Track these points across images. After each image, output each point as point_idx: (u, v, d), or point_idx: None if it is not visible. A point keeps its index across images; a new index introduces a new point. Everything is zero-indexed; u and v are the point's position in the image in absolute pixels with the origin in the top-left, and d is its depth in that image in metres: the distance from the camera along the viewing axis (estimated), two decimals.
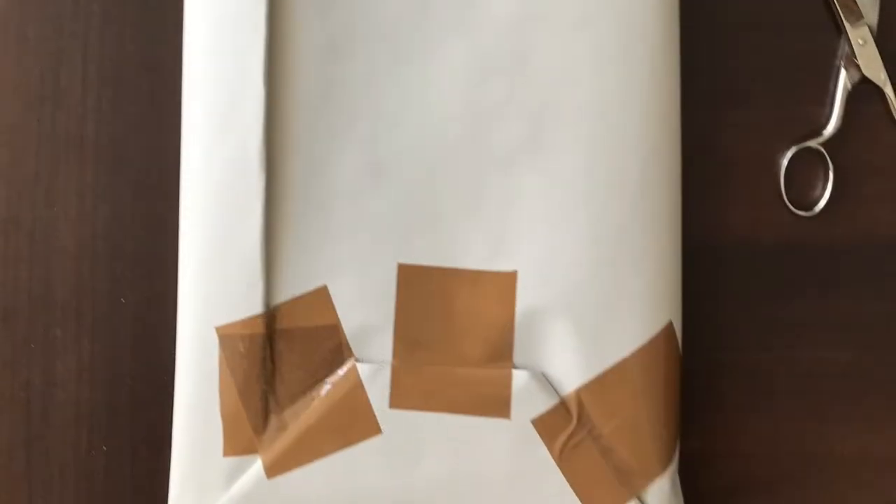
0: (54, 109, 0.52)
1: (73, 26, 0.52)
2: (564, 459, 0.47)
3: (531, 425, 0.47)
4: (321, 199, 0.48)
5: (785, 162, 0.52)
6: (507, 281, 0.48)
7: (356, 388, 0.47)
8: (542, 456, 0.47)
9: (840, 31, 0.52)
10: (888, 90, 0.52)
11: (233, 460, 0.47)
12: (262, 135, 0.47)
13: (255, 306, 0.47)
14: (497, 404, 0.47)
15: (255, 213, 0.47)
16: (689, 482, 0.49)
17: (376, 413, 0.47)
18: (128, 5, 0.52)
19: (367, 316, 0.48)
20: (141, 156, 0.52)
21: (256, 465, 0.47)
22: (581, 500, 0.47)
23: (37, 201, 0.52)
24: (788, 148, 0.52)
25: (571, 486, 0.47)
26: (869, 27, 0.52)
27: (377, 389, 0.47)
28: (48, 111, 0.52)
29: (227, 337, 0.47)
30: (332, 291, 0.48)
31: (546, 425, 0.47)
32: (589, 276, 0.47)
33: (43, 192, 0.52)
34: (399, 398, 0.48)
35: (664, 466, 0.47)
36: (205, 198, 0.47)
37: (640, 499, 0.47)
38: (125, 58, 0.52)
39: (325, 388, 0.48)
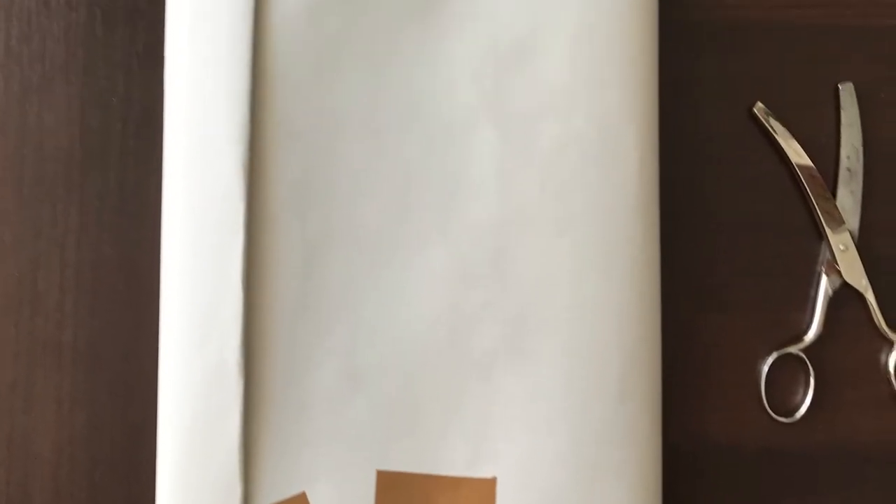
0: (32, 314, 0.52)
1: (50, 231, 0.52)
2: None
3: None
4: (300, 405, 0.48)
5: (766, 367, 0.52)
6: (486, 487, 0.48)
7: None
8: None
9: (821, 236, 0.52)
10: (869, 296, 0.52)
11: None
12: (241, 340, 0.47)
13: None
14: None
15: (234, 418, 0.47)
16: None
17: None
18: (106, 210, 0.52)
19: None
20: (119, 361, 0.52)
21: None
22: None
23: (14, 407, 0.51)
24: (769, 353, 0.52)
25: None
26: (850, 233, 0.52)
27: None
28: (26, 316, 0.52)
29: None
30: (310, 497, 0.48)
31: None
32: (569, 483, 0.47)
33: (21, 398, 0.51)
34: None
35: None
36: (183, 402, 0.47)
37: None
38: (103, 262, 0.52)
39: None
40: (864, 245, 0.52)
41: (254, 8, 0.47)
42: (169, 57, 0.48)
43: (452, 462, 0.48)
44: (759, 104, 0.52)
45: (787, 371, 0.52)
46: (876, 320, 0.52)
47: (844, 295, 0.52)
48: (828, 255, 0.52)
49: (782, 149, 0.52)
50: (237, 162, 0.47)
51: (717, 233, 0.52)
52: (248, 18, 0.47)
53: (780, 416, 0.52)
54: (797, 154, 0.52)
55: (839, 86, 0.53)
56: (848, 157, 0.52)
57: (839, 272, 0.52)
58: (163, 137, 0.48)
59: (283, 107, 0.48)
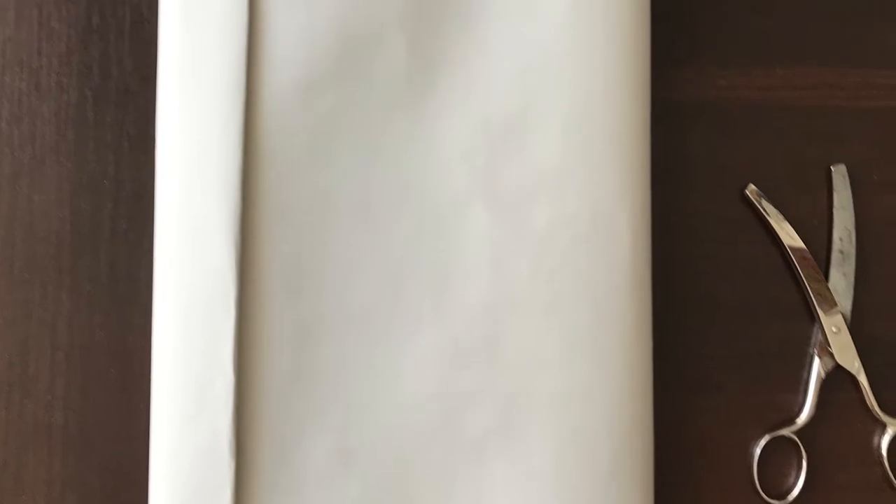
0: (22, 397, 0.51)
1: (41, 313, 0.52)
2: None
3: None
4: (291, 485, 0.48)
5: (758, 450, 0.52)
6: None
7: None
8: None
9: (814, 318, 0.52)
10: (862, 378, 0.52)
11: None
12: (232, 420, 0.47)
13: None
14: None
15: (225, 497, 0.47)
16: None
17: None
18: (97, 293, 0.51)
19: None
20: (110, 443, 0.51)
21: None
22: None
23: (5, 489, 0.51)
24: (761, 436, 0.52)
25: None
26: (843, 315, 0.52)
27: None
28: (16, 398, 0.51)
29: None
30: None
31: None
32: None
33: (11, 480, 0.51)
34: None
35: None
36: (174, 481, 0.47)
37: None
38: (94, 345, 0.52)
39: None
40: (857, 327, 0.52)
41: (245, 87, 0.47)
42: (160, 137, 0.48)
43: None
44: (752, 186, 0.52)
45: (780, 453, 0.52)
46: (868, 403, 0.52)
47: (837, 377, 0.52)
48: (820, 337, 0.52)
49: (774, 231, 0.52)
50: (229, 241, 0.47)
51: (710, 315, 0.52)
52: (239, 97, 0.47)
53: (773, 498, 0.52)
54: (789, 236, 0.52)
55: (832, 167, 0.53)
56: (840, 239, 0.52)
57: (832, 354, 0.52)
58: (154, 218, 0.48)
59: (275, 186, 0.48)
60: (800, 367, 0.52)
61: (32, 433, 0.51)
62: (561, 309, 0.48)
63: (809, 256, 0.52)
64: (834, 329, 0.52)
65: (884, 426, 0.52)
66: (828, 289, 0.52)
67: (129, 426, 0.51)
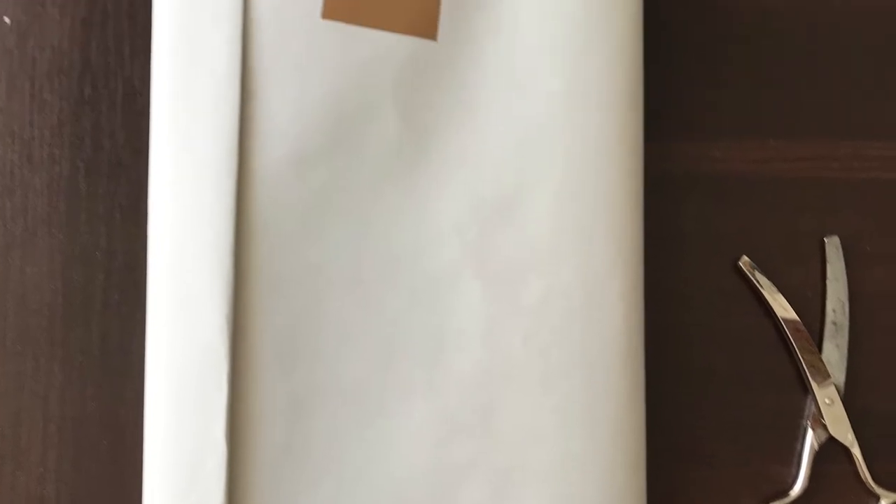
0: (14, 469, 0.51)
1: (33, 385, 0.51)
2: None
3: None
4: None
5: None
6: None
7: None
8: None
9: (807, 390, 0.52)
10: (855, 451, 0.52)
11: None
12: (224, 495, 0.47)
13: None
14: None
15: None
16: None
17: None
18: (89, 365, 0.51)
19: None
20: None
21: None
22: None
23: None
24: None
25: None
26: (836, 387, 0.52)
27: None
28: (8, 471, 0.51)
29: None
30: None
31: None
32: None
33: None
34: None
35: None
36: None
37: None
38: (86, 417, 0.51)
39: None
40: (850, 399, 0.52)
41: (237, 161, 0.47)
42: (152, 210, 0.47)
43: None
44: (745, 258, 0.52)
45: None
46: (862, 475, 0.52)
47: (830, 449, 0.52)
48: (813, 408, 0.52)
49: (768, 302, 0.52)
50: (221, 315, 0.47)
51: (703, 385, 0.52)
52: (231, 171, 0.47)
53: None
54: (783, 308, 0.52)
55: (825, 239, 0.52)
56: (834, 311, 0.52)
57: (825, 426, 0.52)
58: (146, 291, 0.47)
59: (267, 260, 0.48)
60: (793, 438, 0.52)
61: None
62: (555, 381, 0.48)
63: (803, 328, 0.52)
64: (827, 401, 0.52)
65: (877, 499, 0.52)
66: (821, 360, 0.52)
67: (121, 499, 0.51)
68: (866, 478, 0.52)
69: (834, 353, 0.52)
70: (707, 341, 0.52)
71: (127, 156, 0.52)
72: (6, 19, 0.52)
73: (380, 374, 0.48)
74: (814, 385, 0.52)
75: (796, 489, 0.52)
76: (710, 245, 0.52)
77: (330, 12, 0.48)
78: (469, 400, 0.48)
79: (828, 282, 0.52)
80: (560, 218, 0.48)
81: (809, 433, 0.52)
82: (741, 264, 0.52)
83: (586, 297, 0.48)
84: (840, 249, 0.52)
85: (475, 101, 0.49)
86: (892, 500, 0.52)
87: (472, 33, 0.49)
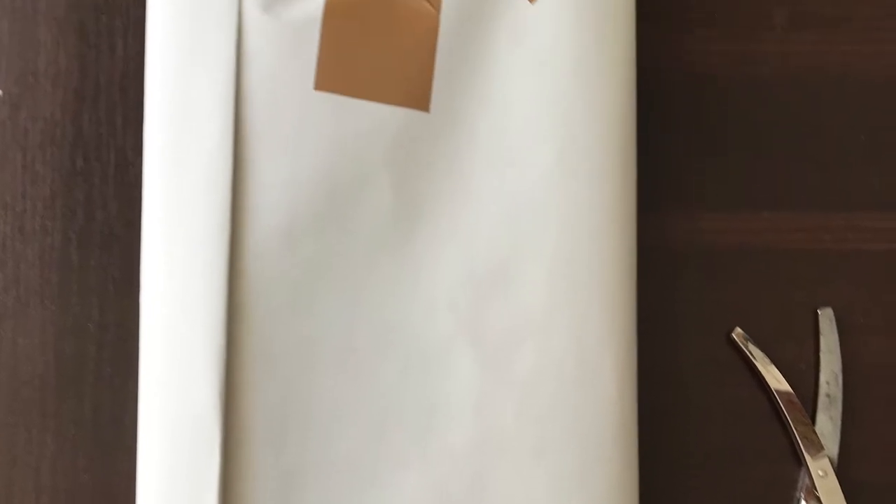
0: None
1: (25, 457, 0.51)
2: None
3: None
4: None
5: None
6: None
7: None
8: None
9: (800, 462, 0.52)
10: None
11: None
12: None
13: None
14: None
15: None
16: None
17: None
18: (81, 437, 0.51)
19: None
20: None
21: None
22: None
23: None
24: None
25: None
26: (830, 459, 0.52)
27: None
28: None
29: None
30: None
31: None
32: None
33: None
34: None
35: None
36: None
37: None
38: (78, 489, 0.51)
39: None
40: (844, 471, 0.52)
41: (230, 233, 0.47)
42: (145, 282, 0.47)
43: None
44: (738, 329, 0.52)
45: None
46: None
47: None
48: (807, 481, 0.52)
49: (761, 374, 0.52)
50: (213, 388, 0.47)
51: (696, 458, 0.52)
52: (223, 244, 0.47)
53: None
54: (776, 380, 0.52)
55: (818, 311, 0.52)
56: (827, 383, 0.52)
57: (819, 499, 0.52)
58: (138, 363, 0.47)
59: (259, 332, 0.48)
60: None
61: None
62: (547, 453, 0.48)
63: (796, 400, 0.52)
64: (821, 473, 0.51)
65: None
66: (815, 432, 0.52)
67: None
68: None
69: (827, 425, 0.52)
70: (700, 413, 0.52)
71: (119, 227, 0.52)
72: None
73: (372, 445, 0.48)
74: (807, 457, 0.52)
75: None
76: (702, 317, 0.52)
77: (323, 83, 0.48)
78: (461, 471, 0.48)
79: (821, 354, 0.52)
80: (553, 289, 0.48)
81: None
82: (734, 336, 0.52)
83: (579, 368, 0.48)
84: (833, 321, 0.52)
85: (468, 172, 0.49)
86: None
87: (464, 105, 0.49)
